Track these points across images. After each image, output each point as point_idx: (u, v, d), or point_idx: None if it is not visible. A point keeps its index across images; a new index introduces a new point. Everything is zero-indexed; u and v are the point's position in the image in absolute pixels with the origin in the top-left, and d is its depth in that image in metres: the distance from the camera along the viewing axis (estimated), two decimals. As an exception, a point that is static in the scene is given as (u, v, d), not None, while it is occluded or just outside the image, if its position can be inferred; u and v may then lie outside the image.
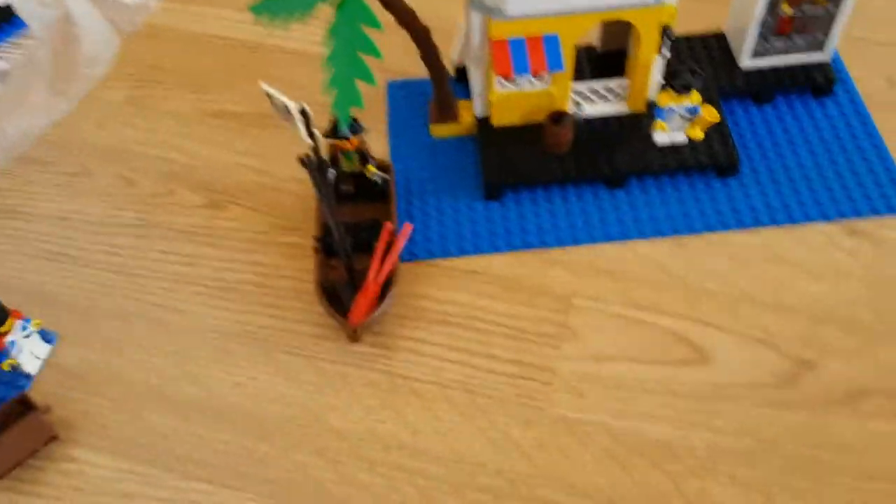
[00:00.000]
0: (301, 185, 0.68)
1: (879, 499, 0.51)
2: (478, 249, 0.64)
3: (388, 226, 0.62)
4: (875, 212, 0.62)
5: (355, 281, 0.61)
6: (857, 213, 0.63)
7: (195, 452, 0.56)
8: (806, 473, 0.52)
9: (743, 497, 0.51)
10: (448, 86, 0.68)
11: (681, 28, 0.66)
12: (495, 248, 0.64)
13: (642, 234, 0.63)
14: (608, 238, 0.64)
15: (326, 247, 0.62)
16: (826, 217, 0.63)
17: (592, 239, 0.64)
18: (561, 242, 0.64)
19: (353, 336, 0.58)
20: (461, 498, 0.53)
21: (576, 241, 0.64)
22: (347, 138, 0.61)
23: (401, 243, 0.60)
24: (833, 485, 0.51)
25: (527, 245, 0.64)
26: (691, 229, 0.63)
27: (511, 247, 0.64)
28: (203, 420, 0.57)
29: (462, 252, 0.64)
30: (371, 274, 0.60)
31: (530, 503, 0.52)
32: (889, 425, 0.53)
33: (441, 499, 0.53)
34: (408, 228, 0.61)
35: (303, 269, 0.64)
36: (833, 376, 0.55)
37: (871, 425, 0.53)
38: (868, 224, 0.62)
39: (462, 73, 0.72)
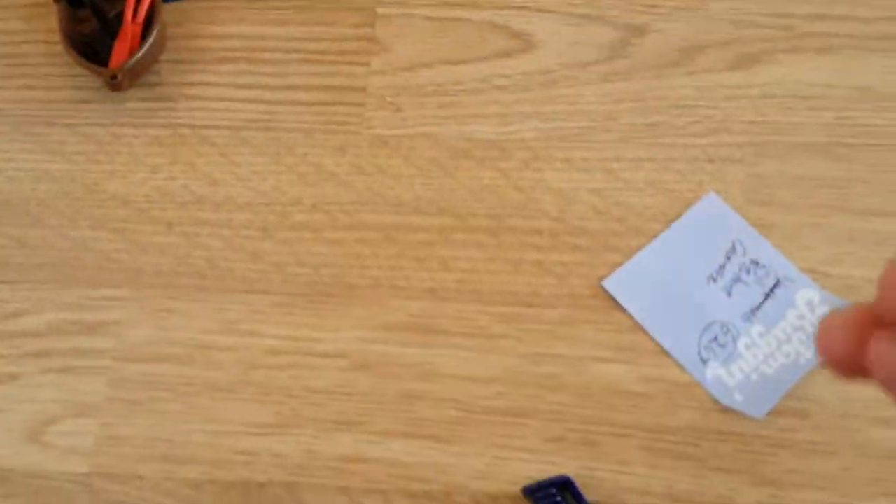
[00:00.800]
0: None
1: (723, 151, 0.47)
2: (259, -27, 0.54)
3: (139, -46, 0.51)
4: None
5: (111, 28, 0.50)
6: None
7: (-49, 253, 0.47)
8: (642, 141, 0.48)
9: (581, 175, 0.47)
10: None
11: None
12: (279, -31, 0.54)
13: (446, -74, 0.55)
14: (408, -63, 0.55)
15: (69, -6, 0.51)
16: None
17: (391, -59, 0.55)
18: (355, -50, 0.55)
19: (115, 85, 0.48)
20: (273, 239, 0.46)
21: (372, -54, 0.55)
22: None
23: (158, -28, 0.50)
24: (672, 145, 0.47)
25: (315, -41, 0.55)
26: (500, -90, 0.55)
27: (297, -36, 0.54)
28: (-45, 217, 0.48)
29: (240, -21, 0.54)
30: (127, 14, 0.49)
31: (354, 231, 0.47)
32: (723, 76, 0.49)
33: (251, 245, 0.46)
34: (163, -47, 0.50)
35: (51, 29, 0.52)
36: (665, 38, 0.50)
37: (705, 78, 0.49)
38: None
39: None
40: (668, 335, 0.44)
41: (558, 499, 0.40)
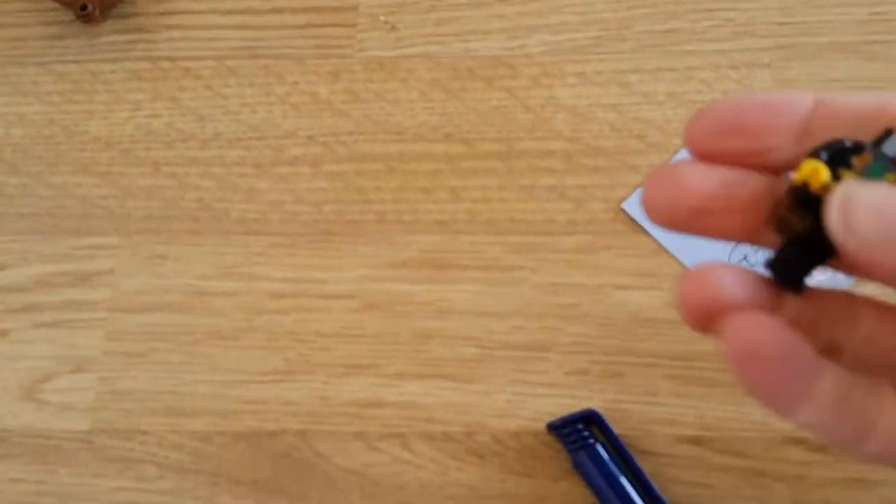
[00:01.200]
0: None
1: (748, 55, 0.44)
2: None
3: None
4: None
5: (79, -46, 0.47)
6: None
7: (-74, 207, 0.44)
8: (659, 50, 0.44)
9: (595, 91, 0.44)
10: None
11: None
12: None
13: None
14: None
15: (30, -81, 0.47)
16: None
17: None
18: None
19: (87, 17, 0.44)
20: (269, 175, 0.43)
21: None
22: None
23: None
24: (692, 52, 0.43)
25: None
26: None
27: None
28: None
29: None
30: (94, -63, 0.46)
31: (355, 163, 0.43)
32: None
33: (246, 183, 0.43)
34: None
35: (14, -40, 0.49)
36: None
37: (729, -23, 0.45)
38: None
39: None
40: (696, 257, 0.41)
41: (585, 433, 0.38)
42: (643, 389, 0.40)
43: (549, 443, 0.39)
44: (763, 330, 0.20)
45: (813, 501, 0.37)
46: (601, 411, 0.38)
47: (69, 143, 0.44)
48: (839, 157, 0.19)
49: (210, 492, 0.38)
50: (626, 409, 0.39)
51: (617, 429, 0.38)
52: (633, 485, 0.37)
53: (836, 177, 0.19)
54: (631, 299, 0.41)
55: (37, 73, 0.46)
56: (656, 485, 0.37)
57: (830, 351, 0.22)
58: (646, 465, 0.38)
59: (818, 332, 0.22)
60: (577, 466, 0.38)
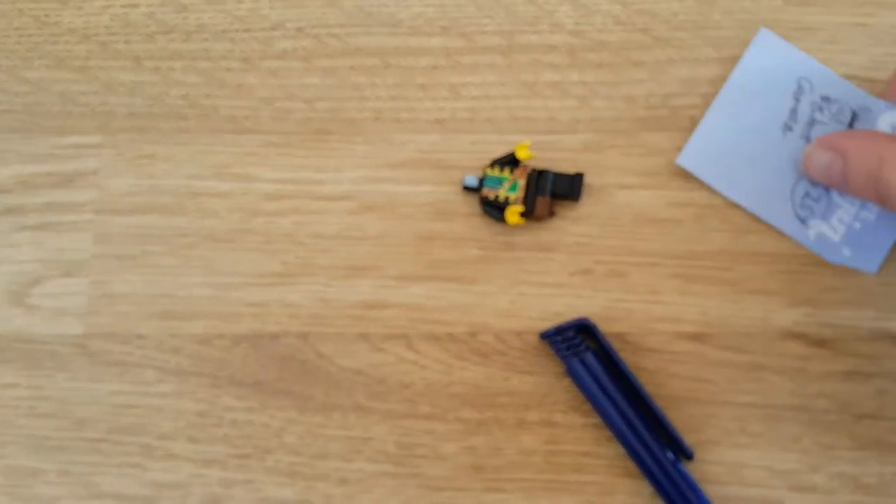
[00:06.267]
0: None
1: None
2: None
3: None
4: None
5: None
6: None
7: None
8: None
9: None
10: None
11: None
12: None
13: None
14: None
15: None
16: None
17: None
18: None
19: None
20: (258, 70, 0.41)
21: None
22: None
23: None
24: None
25: None
26: None
27: None
28: None
29: None
30: None
31: (348, 57, 0.41)
32: None
33: (234, 78, 0.41)
34: None
35: None
36: None
37: None
38: None
39: None
40: (759, 201, 0.39)
41: (576, 341, 0.38)
42: (646, 288, 0.39)
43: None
44: None
45: (810, 394, 0.38)
46: (605, 310, 0.38)
47: (42, 36, 0.42)
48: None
49: (211, 393, 0.38)
50: (628, 308, 0.39)
51: (619, 327, 0.39)
52: (624, 390, 0.38)
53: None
54: (635, 199, 0.40)
55: (0, -41, 0.43)
56: (657, 381, 0.38)
57: None
58: (647, 362, 0.38)
59: None
60: (570, 373, 0.38)
